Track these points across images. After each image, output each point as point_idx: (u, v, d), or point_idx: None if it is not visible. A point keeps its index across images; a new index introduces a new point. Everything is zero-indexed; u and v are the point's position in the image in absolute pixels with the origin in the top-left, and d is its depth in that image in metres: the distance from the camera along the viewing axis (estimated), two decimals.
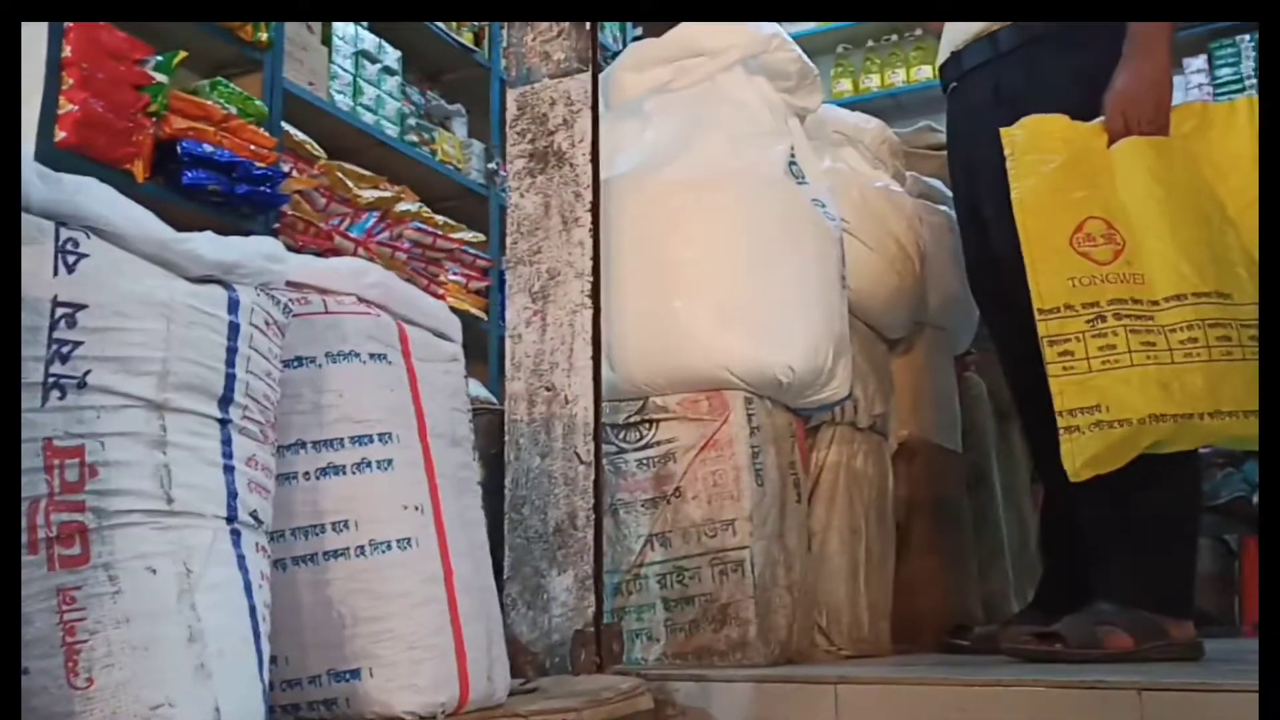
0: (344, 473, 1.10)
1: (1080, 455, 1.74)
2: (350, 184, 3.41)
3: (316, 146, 3.31)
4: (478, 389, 2.87)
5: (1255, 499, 3.56)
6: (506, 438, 1.73)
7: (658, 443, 1.84)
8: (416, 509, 1.11)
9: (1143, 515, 1.88)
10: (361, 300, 1.19)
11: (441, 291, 3.65)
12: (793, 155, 2.04)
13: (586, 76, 1.82)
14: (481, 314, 3.87)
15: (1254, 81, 4.89)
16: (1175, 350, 1.73)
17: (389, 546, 1.08)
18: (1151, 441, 1.73)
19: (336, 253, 3.14)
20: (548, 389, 1.71)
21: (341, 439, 1.11)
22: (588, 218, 1.77)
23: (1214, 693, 1.31)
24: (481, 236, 3.95)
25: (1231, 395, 1.72)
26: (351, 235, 3.36)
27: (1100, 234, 1.80)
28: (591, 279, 1.74)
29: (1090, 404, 1.73)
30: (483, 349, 3.72)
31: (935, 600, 2.44)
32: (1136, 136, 1.85)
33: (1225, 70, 4.65)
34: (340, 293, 1.18)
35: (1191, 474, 2.01)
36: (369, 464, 1.10)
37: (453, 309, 1.40)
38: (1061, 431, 1.75)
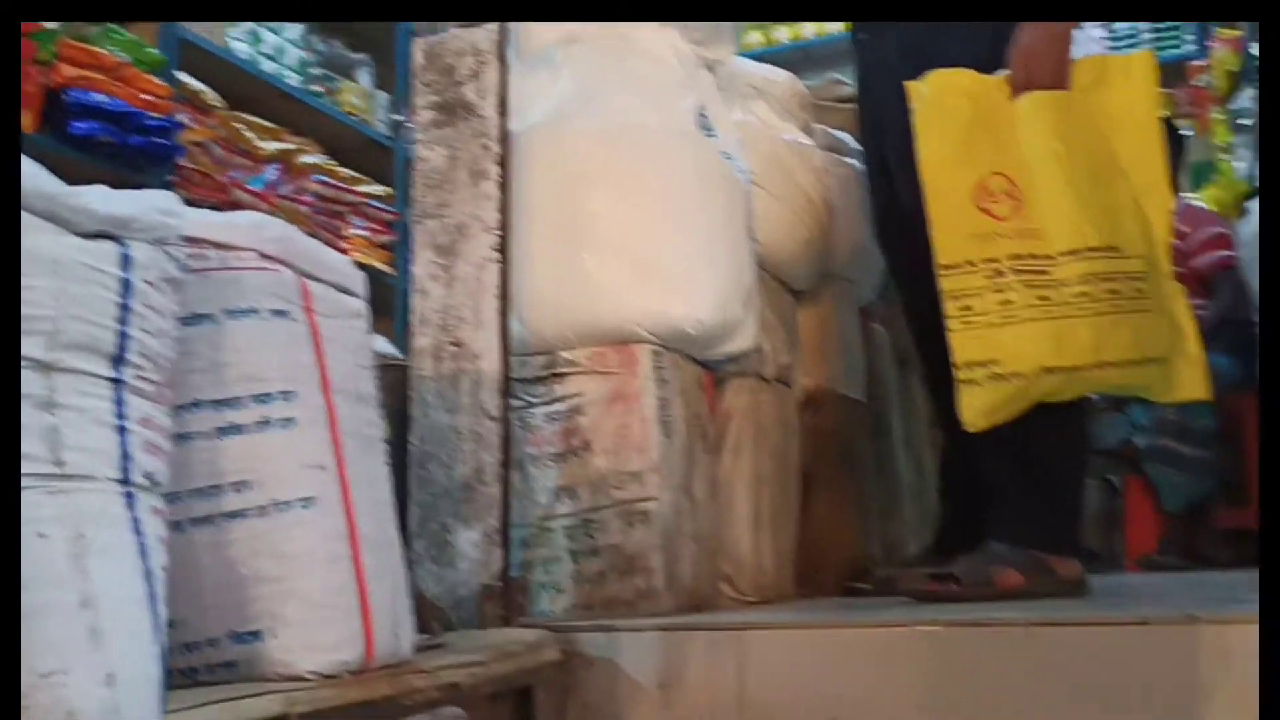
0: (244, 432, 1.08)
1: (976, 406, 1.79)
2: (250, 135, 3.32)
3: (214, 96, 3.20)
4: (384, 345, 2.84)
5: (1139, 441, 3.72)
6: (412, 394, 1.72)
7: (565, 397, 1.85)
8: (319, 467, 1.10)
9: (1034, 460, 1.95)
10: (262, 255, 1.16)
11: (346, 246, 3.59)
12: (703, 108, 2.05)
13: (495, 27, 1.80)
14: (388, 269, 3.82)
15: (1150, 34, 5.02)
16: (1069, 304, 1.79)
17: (291, 506, 1.07)
18: (1043, 392, 1.79)
19: (235, 207, 3.06)
20: (454, 344, 1.70)
21: (241, 397, 1.09)
22: (496, 171, 1.76)
23: (1097, 626, 1.38)
24: (387, 190, 3.89)
25: (1117, 346, 1.78)
26: (251, 189, 3.28)
27: (1002, 190, 1.84)
28: (500, 233, 1.73)
29: (987, 358, 1.78)
30: (388, 305, 3.68)
31: (838, 546, 2.50)
32: (1038, 91, 1.88)
33: (1122, 24, 4.76)
34: (239, 248, 1.15)
35: (1080, 420, 2.09)
36: (270, 422, 1.08)
37: (358, 264, 1.38)
38: (959, 383, 1.80)
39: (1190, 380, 1.84)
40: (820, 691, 1.44)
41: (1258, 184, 3.59)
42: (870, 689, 1.42)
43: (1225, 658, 1.31)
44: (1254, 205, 3.29)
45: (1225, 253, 3.80)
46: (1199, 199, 4.41)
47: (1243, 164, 4.16)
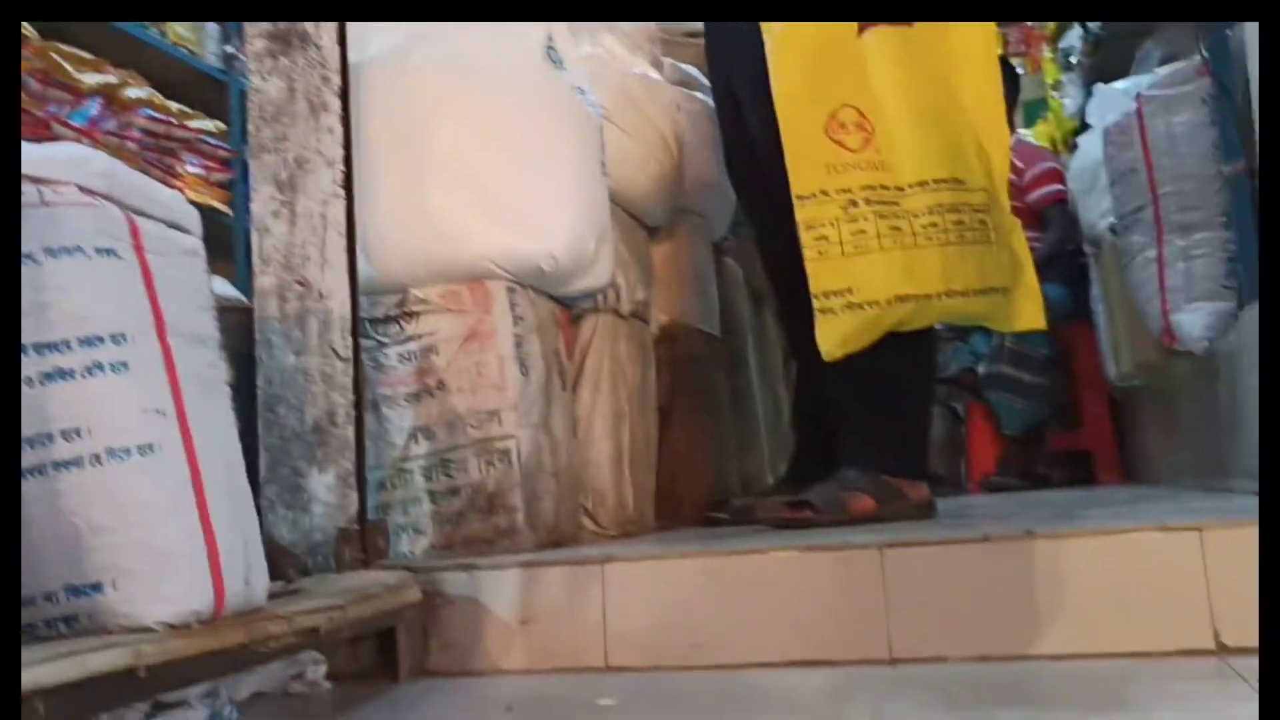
0: (72, 377, 1.01)
1: (833, 335, 1.83)
2: (69, 67, 3.11)
3: (28, 26, 2.98)
4: (225, 288, 2.71)
5: (980, 369, 3.88)
6: (257, 336, 1.65)
7: (419, 336, 1.81)
8: (158, 412, 1.04)
9: (884, 388, 2.01)
10: (84, 190, 1.09)
11: (180, 184, 3.41)
12: (551, 40, 2.00)
13: None
14: (225, 208, 3.65)
15: None
16: (918, 235, 1.83)
17: (129, 453, 1.01)
18: (896, 321, 1.84)
19: (56, 142, 2.87)
20: (300, 284, 1.64)
21: (67, 340, 1.02)
22: (337, 103, 1.69)
23: (945, 545, 1.43)
24: (221, 125, 3.70)
25: (964, 276, 1.84)
26: (73, 124, 3.07)
27: (852, 121, 1.87)
28: (344, 168, 1.66)
29: (842, 287, 1.82)
30: (228, 246, 3.52)
31: (696, 478, 2.54)
32: (884, 25, 1.91)
33: None
34: (59, 182, 1.07)
35: (928, 349, 2.16)
36: (101, 367, 1.02)
37: (193, 203, 1.30)
38: (816, 313, 1.83)
39: (1029, 310, 1.91)
40: (683, 620, 1.46)
41: (1082, 123, 3.74)
42: (732, 615, 1.45)
43: (1059, 569, 1.38)
44: (1084, 140, 3.43)
45: (1057, 187, 3.97)
46: (1031, 135, 4.59)
47: (1071, 101, 4.33)
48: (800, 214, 1.83)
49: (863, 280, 1.81)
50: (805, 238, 1.83)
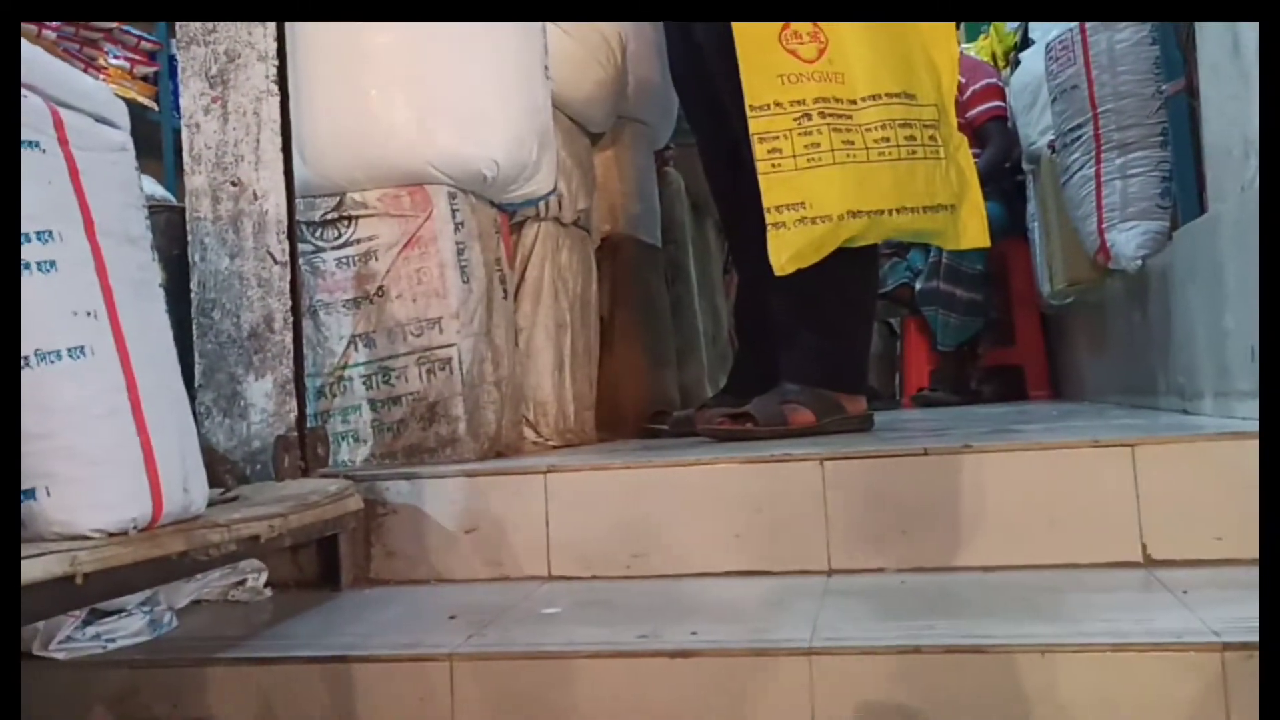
0: None
1: (786, 250, 1.82)
2: None
3: None
4: (153, 187, 2.63)
5: (917, 285, 3.91)
6: (190, 237, 1.60)
7: (357, 240, 1.76)
8: (89, 314, 1.01)
9: (825, 303, 2.01)
10: None
11: (102, 77, 3.27)
12: None
13: None
14: (151, 103, 3.51)
15: None
16: (870, 149, 1.82)
17: (59, 356, 0.97)
18: (848, 236, 1.83)
19: None
20: (233, 184, 1.59)
21: None
22: None
23: (884, 458, 1.45)
24: None
25: (913, 192, 1.84)
26: None
27: (806, 32, 1.84)
28: (277, 62, 1.60)
29: (796, 200, 1.80)
30: (156, 144, 3.40)
31: (637, 389, 2.54)
32: None
33: None
34: None
35: (870, 265, 2.16)
36: (27, 266, 0.97)
37: (119, 98, 1.24)
38: (769, 227, 1.81)
39: (974, 228, 1.92)
40: (624, 530, 1.47)
41: (1023, 39, 3.73)
42: (673, 526, 1.46)
43: (995, 483, 1.40)
44: (1026, 56, 3.42)
45: (997, 103, 3.97)
46: (972, 50, 4.57)
47: None
48: (754, 126, 1.81)
49: (816, 194, 1.80)
50: (759, 150, 1.80)
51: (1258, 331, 1.21)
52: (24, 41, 1.08)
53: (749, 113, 1.80)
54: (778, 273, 1.82)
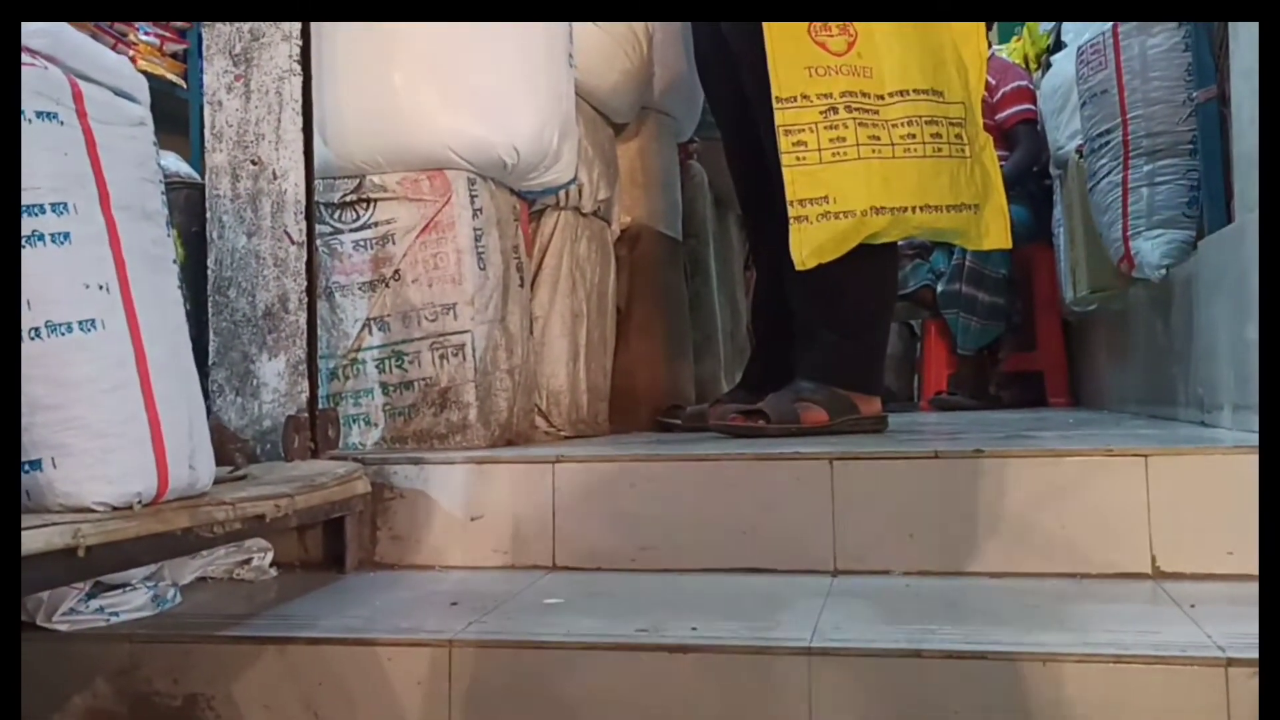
0: None
1: (808, 245, 1.80)
2: None
3: None
4: (177, 164, 2.63)
5: (939, 287, 3.89)
6: (209, 214, 1.60)
7: (375, 223, 1.76)
8: (101, 287, 1.01)
9: (843, 301, 2.00)
10: (25, 49, 1.03)
11: (132, 53, 3.28)
12: None
13: None
14: (180, 80, 3.52)
15: None
16: (896, 145, 1.80)
17: (70, 328, 0.98)
18: (871, 233, 1.82)
19: None
20: (253, 162, 1.59)
21: None
22: None
23: (895, 460, 1.44)
24: None
25: (938, 191, 1.82)
26: None
27: (836, 24, 1.82)
28: (301, 42, 1.60)
29: (819, 195, 1.79)
30: (183, 120, 3.41)
31: (652, 382, 2.53)
32: None
33: None
34: None
35: (890, 264, 2.15)
36: (41, 237, 0.98)
37: (145, 73, 1.24)
38: (791, 221, 1.80)
39: (997, 229, 1.90)
40: (631, 523, 1.47)
41: (1056, 41, 3.70)
42: (680, 520, 1.46)
43: (1005, 489, 1.39)
44: (1057, 59, 3.39)
45: (1027, 106, 3.94)
46: (1004, 53, 4.53)
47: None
48: (780, 118, 1.79)
49: (840, 189, 1.78)
50: (784, 143, 1.79)
51: (1258, 344, 1.19)
52: None
53: (775, 105, 1.79)
54: (799, 267, 1.80)
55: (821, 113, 1.78)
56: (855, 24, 1.81)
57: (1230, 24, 1.82)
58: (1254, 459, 1.32)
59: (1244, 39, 1.74)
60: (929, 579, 1.36)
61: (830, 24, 1.81)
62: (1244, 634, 1.02)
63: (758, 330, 2.44)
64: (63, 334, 0.97)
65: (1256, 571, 1.26)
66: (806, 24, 1.80)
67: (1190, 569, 1.31)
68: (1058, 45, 3.61)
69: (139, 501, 1.01)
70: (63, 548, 0.91)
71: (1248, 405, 1.67)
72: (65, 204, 0.99)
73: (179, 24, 3.52)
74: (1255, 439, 1.52)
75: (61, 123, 1.01)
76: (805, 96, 1.79)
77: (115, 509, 0.99)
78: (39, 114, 0.99)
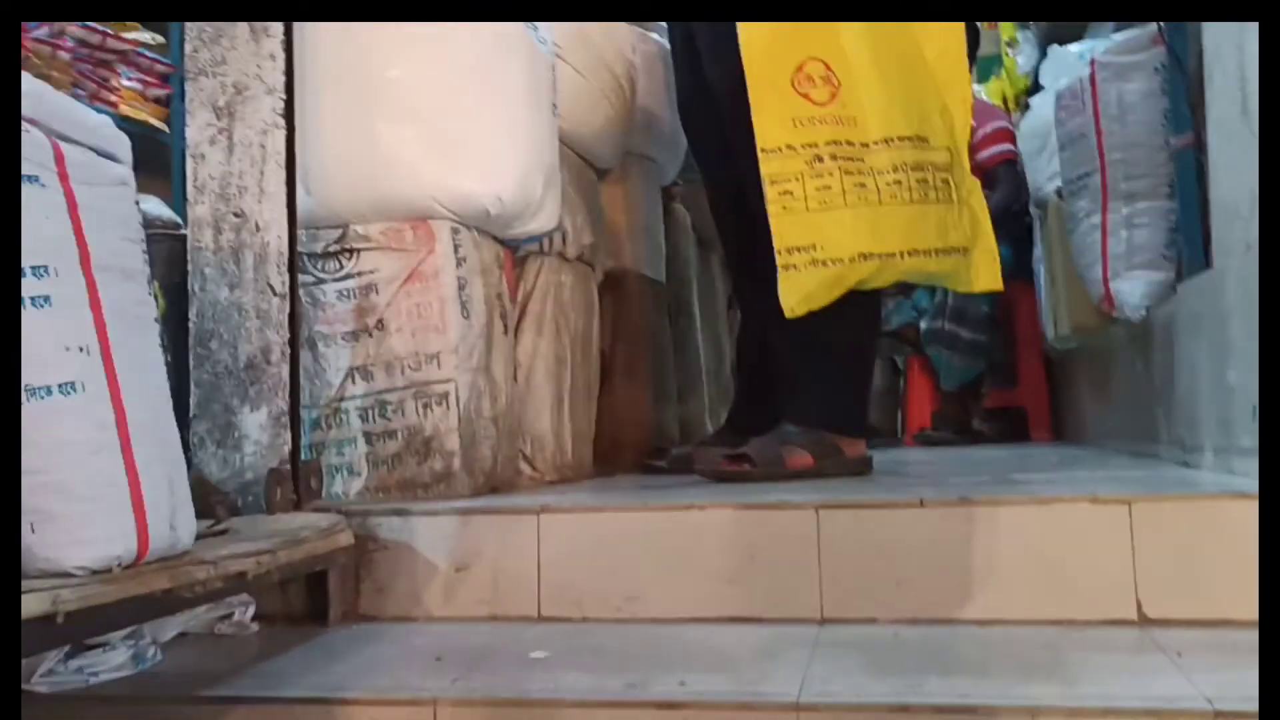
0: None
1: (797, 292, 1.81)
2: None
3: None
4: (159, 208, 2.63)
5: (922, 324, 3.91)
6: (190, 267, 1.60)
7: (359, 273, 1.76)
8: (81, 349, 1.01)
9: (828, 345, 2.01)
10: None
11: (115, 99, 3.28)
12: None
13: None
14: (163, 125, 3.53)
15: None
16: (882, 192, 1.81)
17: (49, 391, 0.97)
18: (860, 279, 1.83)
19: None
20: (236, 215, 1.59)
21: None
22: (279, 27, 1.62)
23: (880, 508, 1.44)
24: (159, 38, 3.57)
25: (924, 236, 1.83)
26: None
27: (819, 75, 1.84)
28: (284, 96, 1.61)
29: (807, 243, 1.80)
30: (164, 163, 3.41)
31: (636, 425, 2.53)
32: None
33: None
34: None
35: (874, 309, 2.16)
36: (22, 301, 0.97)
37: (128, 119, 1.25)
38: (780, 269, 1.80)
39: (987, 272, 1.91)
40: (616, 573, 1.46)
41: (1034, 82, 3.74)
42: (665, 570, 1.45)
43: (991, 536, 1.39)
44: (1036, 101, 3.43)
45: (1007, 146, 3.98)
46: (984, 92, 4.58)
47: (1025, 59, 4.33)
48: (765, 168, 1.80)
49: (827, 237, 1.79)
50: (770, 192, 1.80)
51: (1258, 392, 1.20)
52: (27, 75, 1.09)
53: (760, 155, 1.80)
54: (788, 315, 1.81)
55: (807, 162, 1.80)
56: (838, 73, 1.83)
57: (1205, 73, 1.84)
58: (1236, 504, 1.33)
59: (1219, 90, 1.76)
60: (916, 627, 1.35)
61: (813, 74, 1.82)
62: (1231, 684, 1.03)
63: (741, 372, 2.45)
64: (42, 397, 0.97)
65: (1241, 617, 1.27)
66: (790, 75, 1.82)
67: (1176, 615, 1.32)
68: (1036, 87, 3.65)
69: (119, 564, 1.00)
70: (40, 615, 0.90)
71: (1229, 448, 1.68)
72: (45, 267, 0.99)
73: (162, 69, 3.53)
74: (1237, 482, 1.53)
75: (43, 185, 1.01)
76: (790, 146, 1.80)
77: (95, 573, 0.98)
78: (22, 177, 0.99)
